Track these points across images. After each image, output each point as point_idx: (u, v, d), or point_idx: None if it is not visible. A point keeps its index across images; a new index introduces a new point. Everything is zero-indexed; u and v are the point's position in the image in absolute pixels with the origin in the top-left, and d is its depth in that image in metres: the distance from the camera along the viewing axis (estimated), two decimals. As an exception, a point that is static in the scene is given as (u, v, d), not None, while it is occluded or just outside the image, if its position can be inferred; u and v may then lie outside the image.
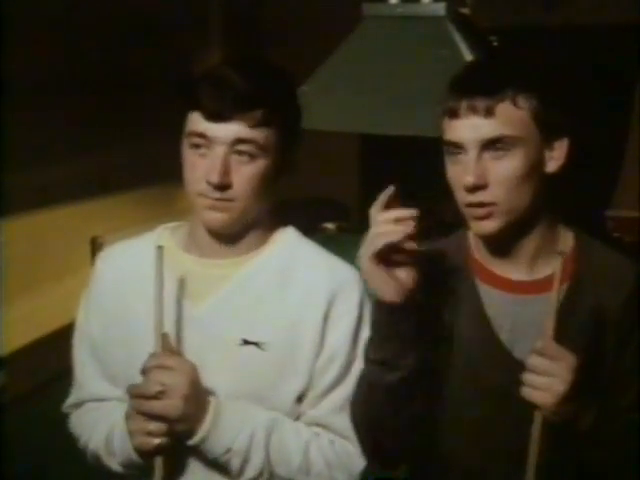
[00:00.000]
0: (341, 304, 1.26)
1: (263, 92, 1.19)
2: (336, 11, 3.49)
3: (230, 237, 1.27)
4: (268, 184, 1.23)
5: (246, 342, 1.22)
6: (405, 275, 1.10)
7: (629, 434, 1.16)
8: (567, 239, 1.26)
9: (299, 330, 1.24)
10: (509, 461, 1.13)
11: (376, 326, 1.15)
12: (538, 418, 1.07)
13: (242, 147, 1.18)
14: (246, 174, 1.19)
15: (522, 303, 1.21)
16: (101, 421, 1.28)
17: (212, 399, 1.19)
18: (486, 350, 1.12)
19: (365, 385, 1.19)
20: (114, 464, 1.25)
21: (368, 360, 1.17)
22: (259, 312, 1.25)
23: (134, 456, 1.20)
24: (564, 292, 1.21)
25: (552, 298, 1.09)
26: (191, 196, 1.22)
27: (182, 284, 1.25)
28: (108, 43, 2.88)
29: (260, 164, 1.20)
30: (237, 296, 1.25)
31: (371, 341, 1.17)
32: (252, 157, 1.19)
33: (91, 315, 1.32)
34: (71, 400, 1.36)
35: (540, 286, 1.12)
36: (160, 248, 1.18)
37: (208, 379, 1.21)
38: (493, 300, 1.23)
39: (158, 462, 1.19)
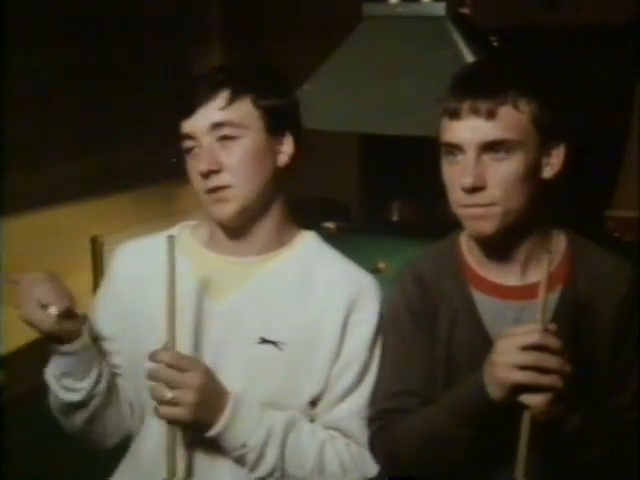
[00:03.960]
0: (359, 311, 1.26)
1: (229, 75, 1.23)
2: (336, 11, 3.50)
3: (245, 232, 1.27)
4: (261, 165, 1.23)
5: (264, 341, 1.23)
6: (534, 399, 1.05)
7: (623, 434, 1.16)
8: (560, 242, 1.26)
9: (317, 333, 1.24)
10: (511, 467, 1.12)
11: (472, 408, 1.12)
12: (526, 417, 1.07)
13: (222, 131, 1.21)
14: (233, 155, 1.21)
15: (516, 309, 1.21)
16: None
17: (232, 393, 1.19)
18: (484, 359, 1.12)
19: (429, 439, 1.18)
20: (56, 386, 1.23)
21: (447, 430, 1.14)
22: (279, 312, 1.25)
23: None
24: (558, 294, 1.21)
25: (540, 291, 1.08)
26: (199, 197, 1.24)
27: (203, 280, 1.26)
28: (108, 43, 2.89)
29: (245, 143, 1.21)
30: (258, 295, 1.26)
31: (459, 416, 1.13)
32: (235, 139, 1.21)
33: (105, 310, 1.32)
34: None
35: (533, 291, 1.12)
36: (171, 238, 1.18)
37: (224, 375, 1.21)
38: (488, 308, 1.23)
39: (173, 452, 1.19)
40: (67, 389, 1.22)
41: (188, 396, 1.13)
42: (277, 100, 1.25)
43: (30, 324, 1.15)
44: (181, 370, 1.13)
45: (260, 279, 1.27)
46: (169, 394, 1.12)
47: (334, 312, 1.25)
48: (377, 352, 1.27)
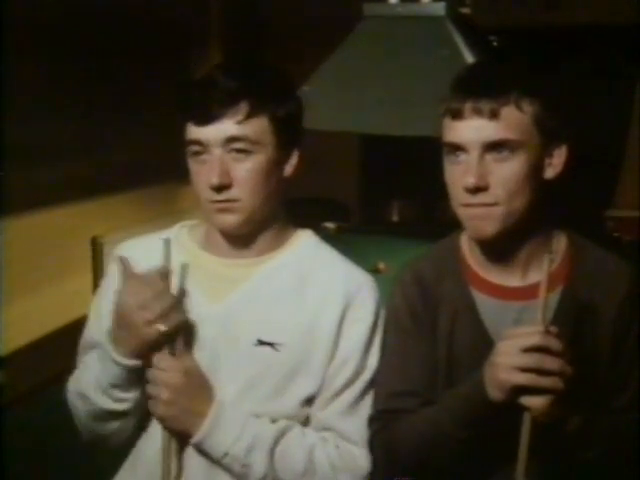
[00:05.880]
0: (356, 310, 1.26)
1: (246, 85, 1.20)
2: (336, 11, 3.50)
3: (245, 238, 1.27)
4: (270, 179, 1.23)
5: (261, 342, 1.23)
6: (535, 401, 1.06)
7: (624, 434, 1.16)
8: (560, 242, 1.26)
9: (314, 334, 1.25)
10: (512, 468, 1.12)
11: (472, 409, 1.13)
12: (527, 418, 1.07)
13: (236, 145, 1.19)
14: (245, 171, 1.20)
15: (517, 310, 1.21)
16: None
17: (216, 400, 1.20)
18: (484, 359, 1.12)
19: (428, 442, 1.18)
20: (100, 397, 1.22)
21: (447, 430, 1.15)
22: (275, 314, 1.25)
23: (127, 362, 1.17)
24: (558, 295, 1.21)
25: (541, 292, 1.08)
26: (201, 203, 1.24)
27: (199, 282, 1.26)
28: (108, 43, 2.88)
29: (258, 159, 1.21)
30: (255, 296, 1.26)
31: (459, 417, 1.14)
32: (248, 153, 1.20)
33: (103, 308, 1.30)
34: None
35: (534, 291, 1.12)
36: (167, 241, 1.19)
37: (221, 376, 1.22)
38: (488, 308, 1.23)
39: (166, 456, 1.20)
40: (115, 399, 1.21)
41: (162, 393, 1.16)
42: (291, 117, 1.25)
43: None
44: (159, 369, 1.17)
45: (257, 280, 1.27)
46: (149, 389, 1.18)
47: (331, 311, 1.25)
48: (373, 351, 1.27)
